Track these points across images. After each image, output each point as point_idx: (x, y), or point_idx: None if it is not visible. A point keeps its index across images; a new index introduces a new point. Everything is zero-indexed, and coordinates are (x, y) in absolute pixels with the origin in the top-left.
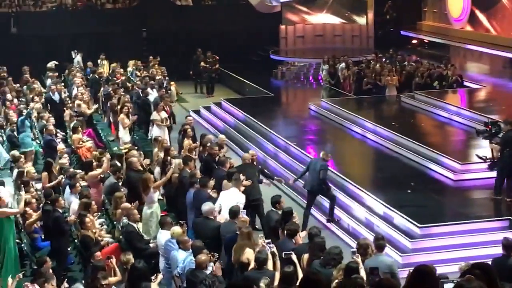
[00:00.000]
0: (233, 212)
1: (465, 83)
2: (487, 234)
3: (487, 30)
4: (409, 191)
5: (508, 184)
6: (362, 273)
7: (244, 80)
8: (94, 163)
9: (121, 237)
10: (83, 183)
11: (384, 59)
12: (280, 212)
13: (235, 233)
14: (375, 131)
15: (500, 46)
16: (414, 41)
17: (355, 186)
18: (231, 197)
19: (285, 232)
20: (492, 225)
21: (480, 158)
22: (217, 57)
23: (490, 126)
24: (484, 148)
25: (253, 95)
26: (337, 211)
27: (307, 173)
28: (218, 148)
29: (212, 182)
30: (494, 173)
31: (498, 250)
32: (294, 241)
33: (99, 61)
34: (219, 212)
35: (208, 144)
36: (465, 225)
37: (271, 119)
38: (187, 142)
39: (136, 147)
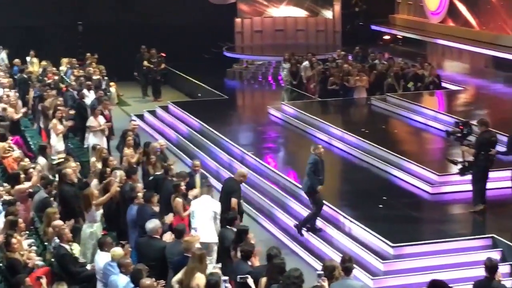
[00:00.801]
0: (179, 232)
1: (443, 84)
2: (468, 254)
3: (469, 25)
4: (381, 206)
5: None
6: None
7: (195, 81)
8: (22, 176)
9: (53, 259)
10: (9, 198)
11: (352, 57)
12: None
13: (183, 255)
14: (342, 138)
15: (482, 43)
16: (386, 37)
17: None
18: (205, 206)
19: (240, 253)
20: (474, 243)
21: (451, 162)
22: (163, 55)
23: (462, 127)
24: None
25: (204, 97)
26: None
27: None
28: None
29: (156, 197)
30: None
31: (481, 272)
32: (250, 263)
33: (28, 58)
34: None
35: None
36: (444, 244)
37: (225, 125)
38: (128, 151)
39: (71, 157)
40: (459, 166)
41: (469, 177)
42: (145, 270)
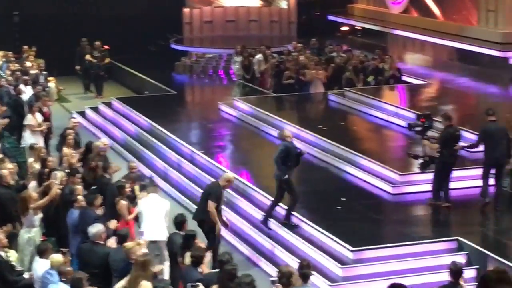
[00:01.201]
0: (122, 237)
1: (405, 78)
2: (432, 258)
3: (432, 15)
4: (339, 207)
5: (445, 187)
6: None
7: (140, 75)
8: None
9: None
10: None
11: (308, 50)
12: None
13: (128, 262)
14: (298, 135)
15: (446, 35)
16: (344, 28)
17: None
18: (154, 204)
19: (190, 259)
20: (438, 247)
21: (413, 156)
22: (107, 48)
23: (423, 120)
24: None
25: (151, 93)
26: (253, 232)
27: None
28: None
29: (100, 199)
30: None
31: (445, 277)
32: (200, 270)
33: None
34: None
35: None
36: (406, 247)
37: (174, 122)
38: (67, 151)
39: (7, 157)
40: (420, 161)
41: (430, 176)
42: (85, 278)
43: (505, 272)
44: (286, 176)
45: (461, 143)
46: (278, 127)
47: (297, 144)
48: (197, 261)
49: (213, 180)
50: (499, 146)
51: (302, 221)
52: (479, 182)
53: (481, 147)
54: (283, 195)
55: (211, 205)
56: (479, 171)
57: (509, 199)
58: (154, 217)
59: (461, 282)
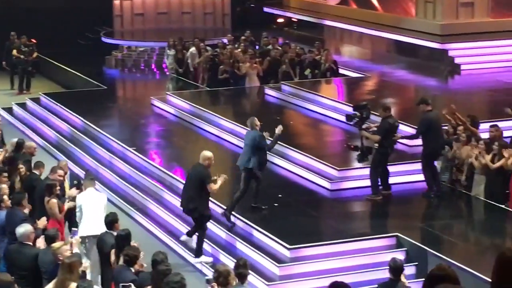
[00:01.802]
0: (50, 237)
1: (343, 71)
2: (371, 255)
3: (370, 6)
4: (276, 205)
5: (384, 176)
6: None
7: (70, 70)
8: None
9: None
10: None
11: (243, 42)
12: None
13: (57, 263)
14: (233, 131)
15: (384, 26)
16: (280, 20)
17: (210, 200)
18: (92, 198)
19: (124, 257)
20: (377, 243)
21: (353, 148)
22: (34, 42)
23: (359, 110)
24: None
25: (81, 88)
26: (185, 230)
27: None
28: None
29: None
30: None
31: (385, 274)
32: (133, 270)
33: None
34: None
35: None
36: (344, 244)
37: (104, 118)
38: None
39: None
40: (358, 153)
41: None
42: (12, 282)
43: (449, 269)
44: (252, 166)
45: (399, 135)
46: (212, 123)
47: (232, 140)
48: (131, 260)
49: (147, 178)
50: (440, 136)
51: (238, 219)
52: (417, 177)
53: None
54: (246, 186)
55: (213, 188)
56: (417, 166)
57: (450, 194)
58: (92, 211)
59: (403, 279)
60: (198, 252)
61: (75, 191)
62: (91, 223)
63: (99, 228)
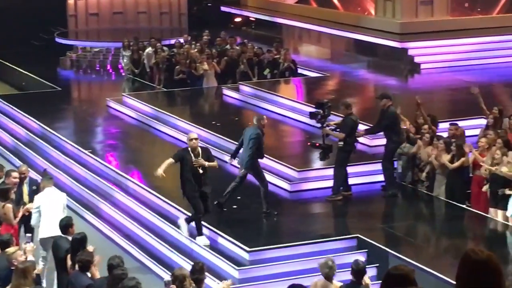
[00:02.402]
0: (4, 242)
1: (302, 71)
2: (332, 257)
3: (329, 5)
4: (235, 207)
5: (345, 175)
6: None
7: (22, 71)
8: None
9: None
10: None
11: (200, 42)
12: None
13: (11, 269)
14: (188, 132)
15: (343, 25)
16: (238, 19)
17: (167, 202)
18: (52, 198)
19: (77, 263)
20: (337, 245)
21: (317, 146)
22: None
23: (320, 108)
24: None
25: (34, 90)
26: (143, 233)
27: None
28: None
29: None
30: None
31: (347, 276)
32: (89, 275)
33: None
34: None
35: None
36: (305, 247)
37: (59, 120)
38: None
39: None
40: (320, 151)
41: (329, 172)
42: None
43: (406, 269)
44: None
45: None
46: (169, 124)
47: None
48: (84, 266)
49: (103, 181)
50: (402, 131)
51: None
52: (378, 178)
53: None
54: (263, 177)
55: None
56: (378, 166)
57: (411, 194)
58: (52, 212)
59: (367, 281)
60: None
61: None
62: (51, 224)
63: (57, 230)
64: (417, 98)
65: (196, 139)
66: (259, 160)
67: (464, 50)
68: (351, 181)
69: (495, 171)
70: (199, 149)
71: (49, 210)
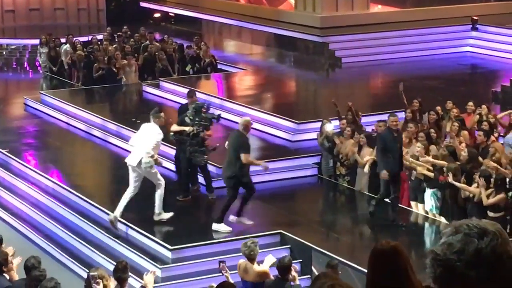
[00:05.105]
0: None
1: (223, 67)
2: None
3: (248, 0)
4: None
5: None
6: None
7: None
8: None
9: None
10: None
11: (119, 38)
12: None
13: None
14: (111, 130)
15: (263, 20)
16: (157, 15)
17: (88, 202)
18: None
19: None
20: (261, 241)
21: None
22: None
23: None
24: None
25: None
26: (63, 233)
27: None
28: None
29: None
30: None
31: (272, 272)
32: (7, 276)
33: None
34: None
35: None
36: (228, 243)
37: None
38: None
39: None
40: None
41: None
42: None
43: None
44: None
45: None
46: (89, 122)
47: (111, 139)
48: None
49: (22, 181)
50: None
51: (119, 220)
52: (299, 173)
53: None
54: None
55: (245, 157)
56: (295, 162)
57: (333, 189)
58: None
59: (295, 275)
60: (219, 218)
61: None
62: None
63: None
64: (333, 100)
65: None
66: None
67: (384, 44)
68: (273, 176)
69: (411, 164)
70: None
71: None
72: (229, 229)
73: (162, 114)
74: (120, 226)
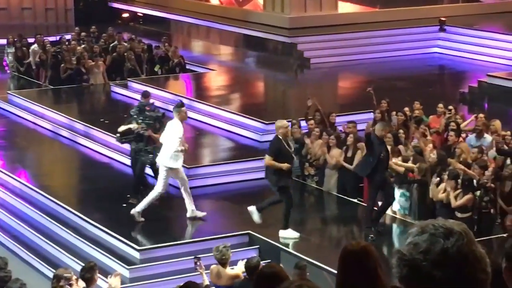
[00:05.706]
0: None
1: (191, 67)
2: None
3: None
4: (125, 205)
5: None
6: None
7: None
8: None
9: None
10: None
11: (87, 39)
12: None
13: None
14: (78, 130)
15: (232, 20)
16: (126, 15)
17: (55, 202)
18: None
19: None
20: (230, 242)
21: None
22: None
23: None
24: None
25: None
26: (30, 233)
27: None
28: None
29: None
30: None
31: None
32: None
33: None
34: None
35: None
36: (196, 244)
37: None
38: None
39: None
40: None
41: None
42: None
43: (278, 267)
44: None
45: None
46: (57, 122)
47: (79, 139)
48: None
49: None
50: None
51: (86, 221)
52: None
53: None
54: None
55: (267, 159)
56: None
57: (301, 189)
58: None
59: None
60: (284, 225)
61: None
62: None
63: None
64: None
65: (287, 127)
66: None
67: (353, 45)
68: (241, 177)
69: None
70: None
71: None
72: (297, 234)
73: (183, 108)
74: (87, 225)
